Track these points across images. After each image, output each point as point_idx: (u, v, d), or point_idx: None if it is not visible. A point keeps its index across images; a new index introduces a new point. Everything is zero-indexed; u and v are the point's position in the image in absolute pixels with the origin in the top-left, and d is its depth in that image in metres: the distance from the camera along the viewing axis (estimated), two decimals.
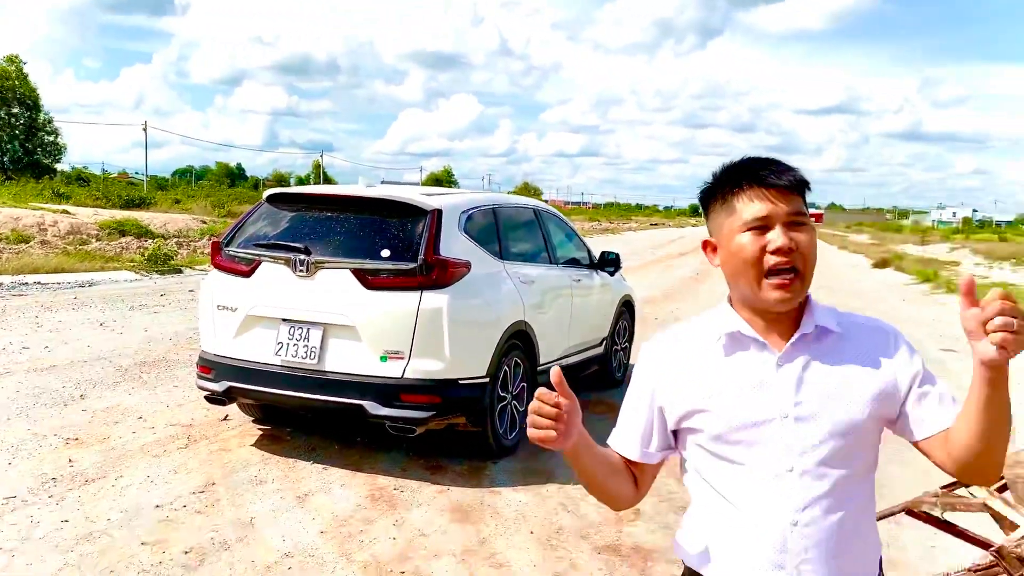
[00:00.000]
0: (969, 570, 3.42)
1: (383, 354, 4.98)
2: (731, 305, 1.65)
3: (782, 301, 1.54)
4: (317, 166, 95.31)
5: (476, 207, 5.75)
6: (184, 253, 19.35)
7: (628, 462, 1.73)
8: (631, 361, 8.37)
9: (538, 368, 5.98)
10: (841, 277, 23.30)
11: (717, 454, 1.60)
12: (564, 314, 6.50)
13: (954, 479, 3.76)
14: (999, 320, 1.33)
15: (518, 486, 5.09)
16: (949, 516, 3.81)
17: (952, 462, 1.54)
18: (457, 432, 5.40)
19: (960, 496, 3.64)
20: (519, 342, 5.67)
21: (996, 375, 1.39)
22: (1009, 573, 3.01)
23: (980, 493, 3.59)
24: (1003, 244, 40.71)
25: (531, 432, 1.51)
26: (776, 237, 1.53)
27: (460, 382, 5.10)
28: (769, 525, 1.55)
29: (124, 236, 21.00)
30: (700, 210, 1.69)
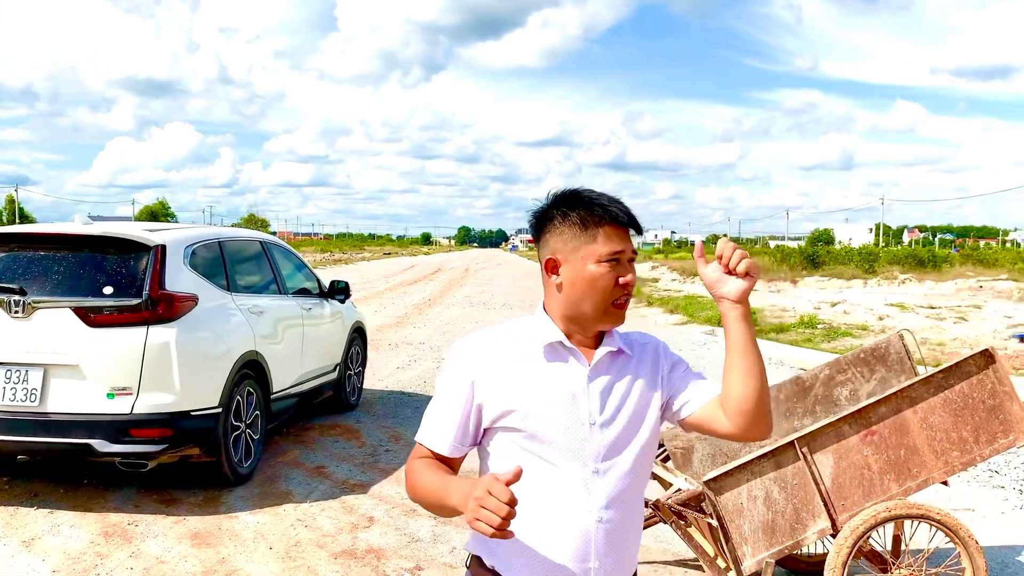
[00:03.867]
0: None
1: (110, 391, 4.98)
2: (548, 314, 1.80)
3: (617, 322, 1.78)
4: (11, 201, 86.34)
5: (201, 241, 5.88)
6: None
7: (436, 456, 1.80)
8: (367, 385, 8.73)
9: (271, 396, 6.19)
10: None
11: (532, 452, 1.73)
12: (296, 343, 6.75)
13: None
14: (738, 253, 1.66)
15: (255, 509, 5.27)
16: None
17: (733, 420, 1.74)
18: (191, 464, 5.48)
19: None
20: (251, 372, 5.86)
21: (746, 308, 1.69)
22: (664, 520, 3.75)
23: None
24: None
25: (479, 526, 1.51)
26: (628, 273, 1.75)
27: (192, 414, 5.20)
28: (577, 521, 1.72)
29: None
30: (533, 225, 1.82)
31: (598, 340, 1.80)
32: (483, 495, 1.49)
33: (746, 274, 1.67)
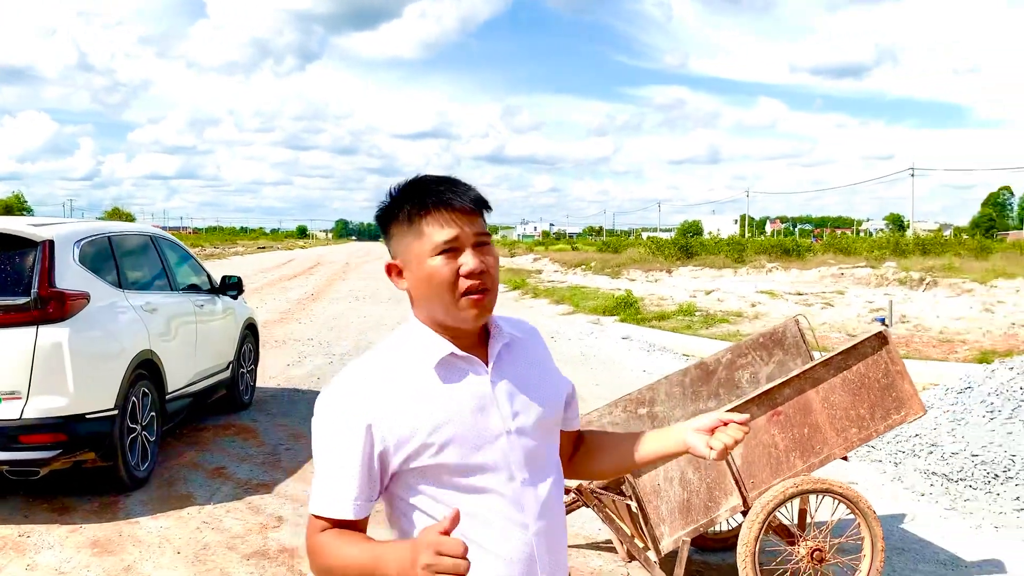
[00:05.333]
0: None
1: None
2: (423, 323, 1.59)
3: (479, 318, 1.55)
4: None
5: (90, 236, 5.60)
6: None
7: (342, 524, 1.53)
8: (257, 383, 8.51)
9: (167, 396, 5.97)
10: None
11: (454, 484, 1.54)
12: (190, 340, 6.53)
13: None
14: (730, 441, 1.61)
15: (157, 513, 5.09)
16: None
17: (581, 469, 1.82)
18: (83, 469, 5.23)
19: None
20: (146, 371, 5.63)
21: (683, 455, 1.73)
22: (587, 504, 3.85)
23: None
24: (574, 253, 46.64)
25: None
26: (468, 260, 1.52)
27: (87, 417, 4.97)
28: (518, 542, 1.55)
29: None
30: (381, 228, 1.62)
31: (484, 336, 1.62)
32: (433, 559, 1.30)
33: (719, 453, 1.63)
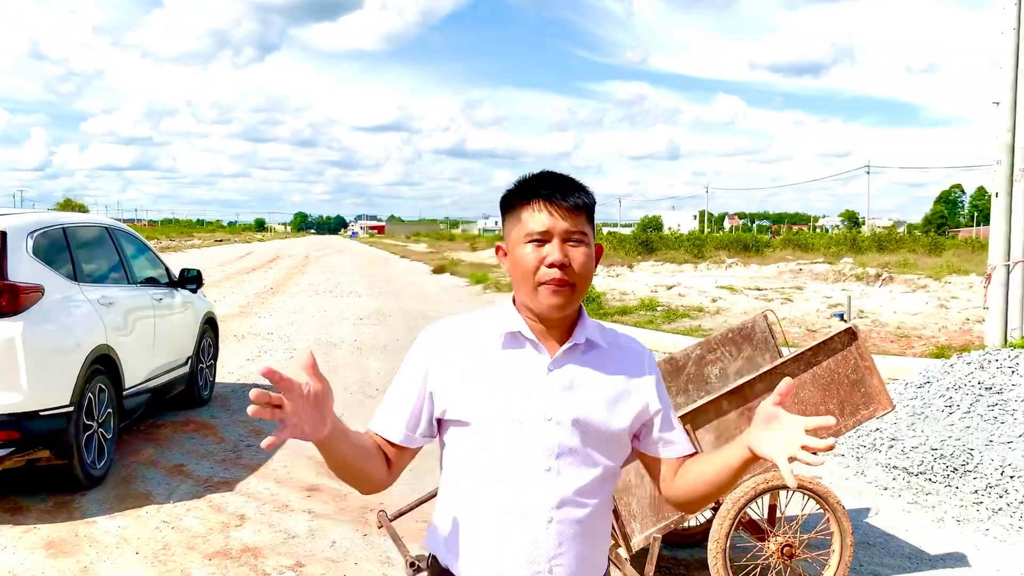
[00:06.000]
0: None
1: None
2: (515, 306, 1.71)
3: (554, 307, 1.63)
4: None
5: (44, 227, 5.43)
6: None
7: (387, 444, 1.71)
8: (217, 379, 8.36)
9: (124, 392, 5.82)
10: (407, 283, 24.98)
11: (480, 447, 1.64)
12: (148, 335, 6.37)
13: None
14: (811, 444, 1.44)
15: (114, 513, 4.95)
16: None
17: (678, 498, 1.73)
18: (38, 468, 5.07)
19: None
20: (102, 367, 5.48)
21: (755, 460, 1.56)
22: None
23: None
24: None
25: (257, 412, 1.39)
26: (552, 251, 1.62)
27: (41, 414, 4.82)
28: (525, 522, 1.62)
29: None
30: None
31: (568, 334, 1.70)
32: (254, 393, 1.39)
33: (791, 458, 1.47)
